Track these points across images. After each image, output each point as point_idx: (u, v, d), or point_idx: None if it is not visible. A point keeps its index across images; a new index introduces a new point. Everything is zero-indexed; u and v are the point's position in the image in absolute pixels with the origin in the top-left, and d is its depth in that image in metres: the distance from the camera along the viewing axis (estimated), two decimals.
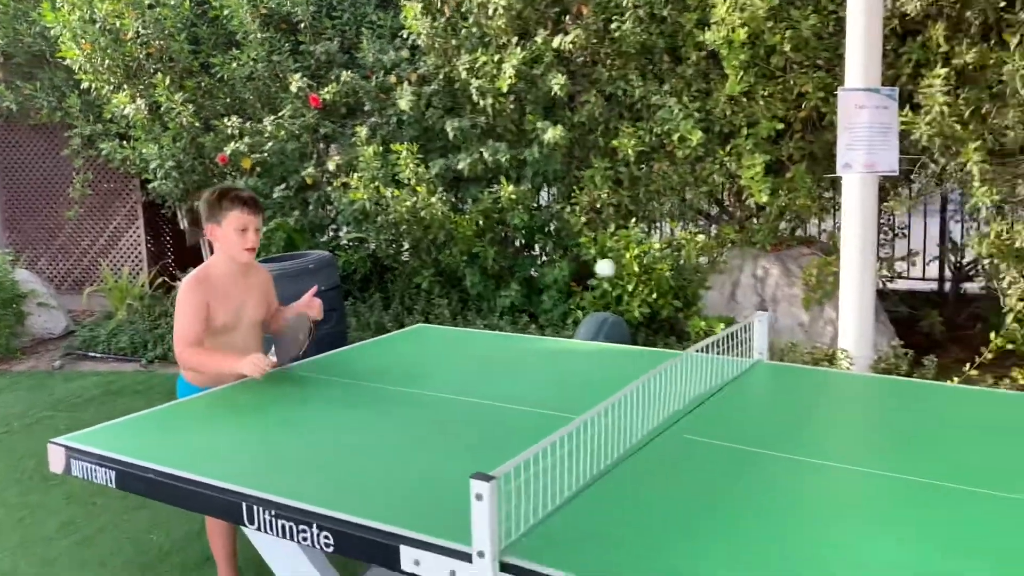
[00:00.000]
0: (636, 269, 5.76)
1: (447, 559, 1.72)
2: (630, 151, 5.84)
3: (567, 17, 6.05)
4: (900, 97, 4.75)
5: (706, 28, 5.41)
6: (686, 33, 5.62)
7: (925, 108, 4.72)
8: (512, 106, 6.20)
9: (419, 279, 6.74)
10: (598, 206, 6.19)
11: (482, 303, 6.62)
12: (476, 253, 6.49)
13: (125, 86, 7.12)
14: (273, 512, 1.96)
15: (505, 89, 5.98)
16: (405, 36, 6.57)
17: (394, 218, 6.33)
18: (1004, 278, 4.93)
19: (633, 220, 6.08)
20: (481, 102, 6.14)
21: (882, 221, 6.41)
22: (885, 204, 5.59)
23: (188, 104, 7.00)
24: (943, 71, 4.67)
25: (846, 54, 4.60)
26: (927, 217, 6.85)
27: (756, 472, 2.07)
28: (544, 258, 6.83)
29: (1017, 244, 4.68)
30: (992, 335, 4.74)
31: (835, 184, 5.46)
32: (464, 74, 6.17)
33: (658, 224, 6.74)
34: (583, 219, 6.17)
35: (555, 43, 5.91)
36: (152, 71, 7.12)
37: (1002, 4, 4.73)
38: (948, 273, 6.72)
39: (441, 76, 6.42)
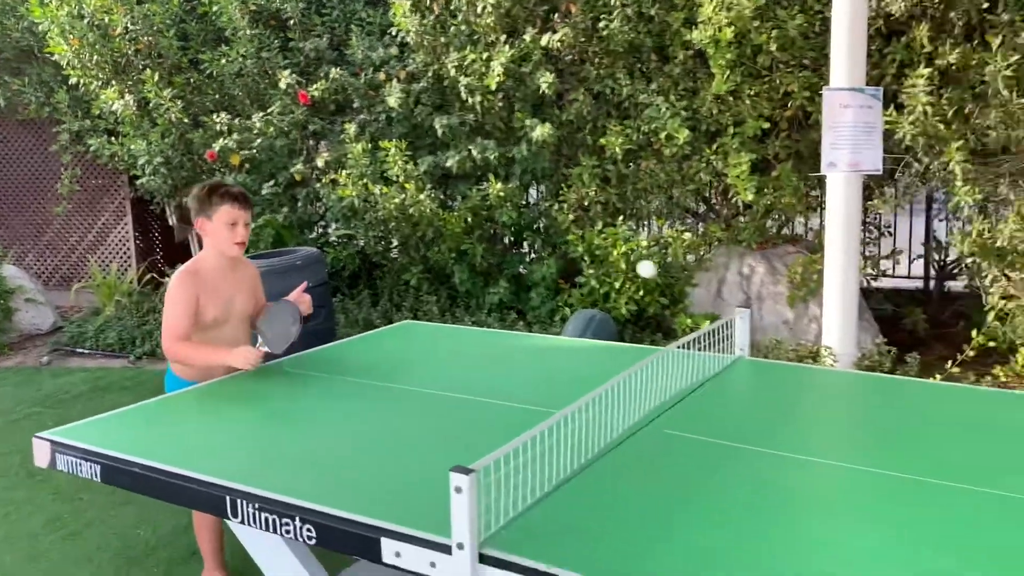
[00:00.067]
0: (623, 267, 5.79)
1: (427, 551, 1.74)
2: (618, 149, 5.87)
3: (555, 15, 6.08)
4: (884, 97, 4.79)
5: (693, 27, 5.44)
6: (673, 32, 5.65)
7: (909, 108, 4.77)
8: (501, 104, 6.22)
9: (408, 276, 6.76)
10: (586, 204, 6.22)
11: (470, 300, 6.65)
12: (465, 250, 6.51)
13: (114, 82, 7.11)
14: (256, 505, 1.99)
15: (493, 87, 6.00)
16: (394, 33, 6.58)
17: (383, 215, 6.34)
18: (986, 276, 4.99)
19: (621, 218, 6.12)
20: (470, 100, 6.16)
21: (868, 220, 6.48)
22: (870, 203, 5.64)
23: (177, 100, 7.00)
24: (926, 71, 4.71)
25: (831, 54, 4.64)
26: (913, 216, 6.91)
27: (735, 467, 2.10)
28: (532, 255, 6.85)
29: (999, 243, 4.73)
30: (974, 333, 4.79)
31: (821, 183, 5.50)
32: (453, 72, 6.19)
33: (646, 222, 6.77)
34: (571, 217, 6.20)
35: (543, 41, 5.93)
36: (141, 67, 7.11)
37: (985, 5, 4.78)
38: (933, 271, 6.78)
39: (430, 73, 6.44)
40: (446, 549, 1.71)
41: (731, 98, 5.57)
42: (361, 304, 6.85)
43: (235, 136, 6.80)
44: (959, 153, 4.66)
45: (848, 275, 4.69)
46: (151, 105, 7.00)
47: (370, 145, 6.42)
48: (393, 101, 6.38)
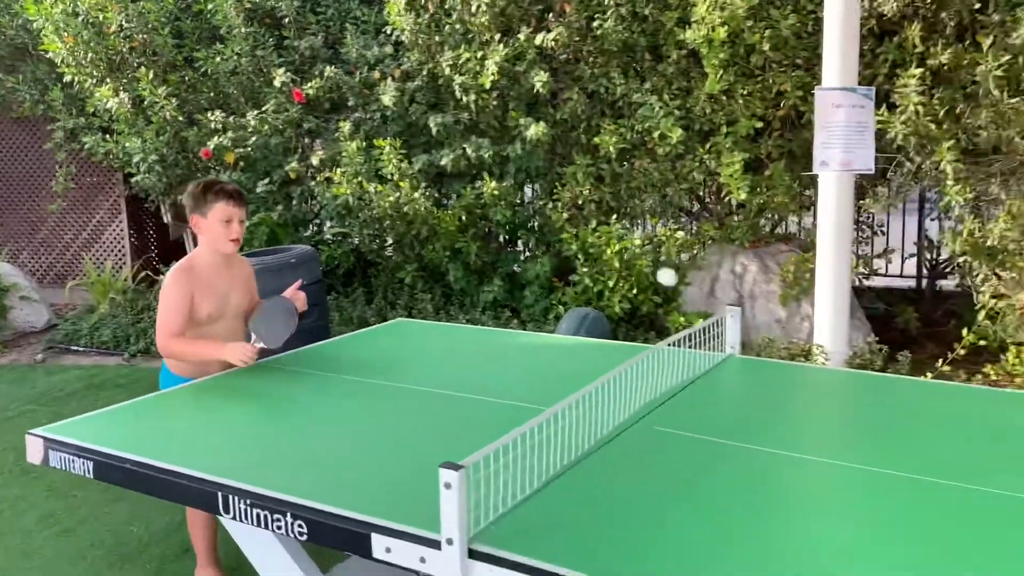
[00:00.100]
0: (617, 265, 5.81)
1: (417, 546, 1.76)
2: (612, 148, 5.89)
3: (550, 15, 6.09)
4: (877, 96, 4.82)
5: (687, 27, 5.46)
6: (667, 32, 5.67)
7: (900, 108, 4.79)
8: (495, 103, 6.23)
9: (402, 274, 6.77)
10: (580, 202, 6.24)
11: (465, 298, 6.67)
12: (459, 248, 6.53)
13: (108, 79, 7.11)
14: (248, 502, 2.00)
15: (488, 86, 6.01)
16: (389, 32, 6.59)
17: (377, 213, 6.35)
18: (977, 275, 5.01)
19: (614, 216, 6.13)
20: (464, 98, 6.18)
21: (861, 219, 6.51)
22: (862, 202, 5.66)
23: (171, 98, 7.00)
24: (918, 71, 4.74)
25: (823, 54, 4.66)
26: (906, 215, 6.93)
27: (726, 464, 2.12)
28: (527, 254, 6.87)
29: (989, 242, 4.76)
30: (965, 332, 4.82)
31: (814, 182, 5.53)
32: (447, 70, 6.20)
33: (640, 221, 6.79)
34: (565, 215, 6.22)
35: (538, 40, 5.94)
36: (135, 65, 7.12)
37: (976, 6, 4.81)
38: (925, 271, 6.81)
39: (425, 72, 6.45)
40: (435, 544, 1.73)
41: (724, 97, 5.59)
42: (355, 302, 6.87)
43: (230, 134, 6.81)
44: (950, 153, 4.69)
45: (840, 274, 4.72)
46: (146, 103, 7.01)
47: (365, 143, 6.43)
48: (388, 99, 6.39)
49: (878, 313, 6.15)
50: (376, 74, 6.65)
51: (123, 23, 6.99)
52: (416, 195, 6.19)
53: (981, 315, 4.90)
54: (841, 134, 4.61)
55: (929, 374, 4.70)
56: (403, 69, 6.57)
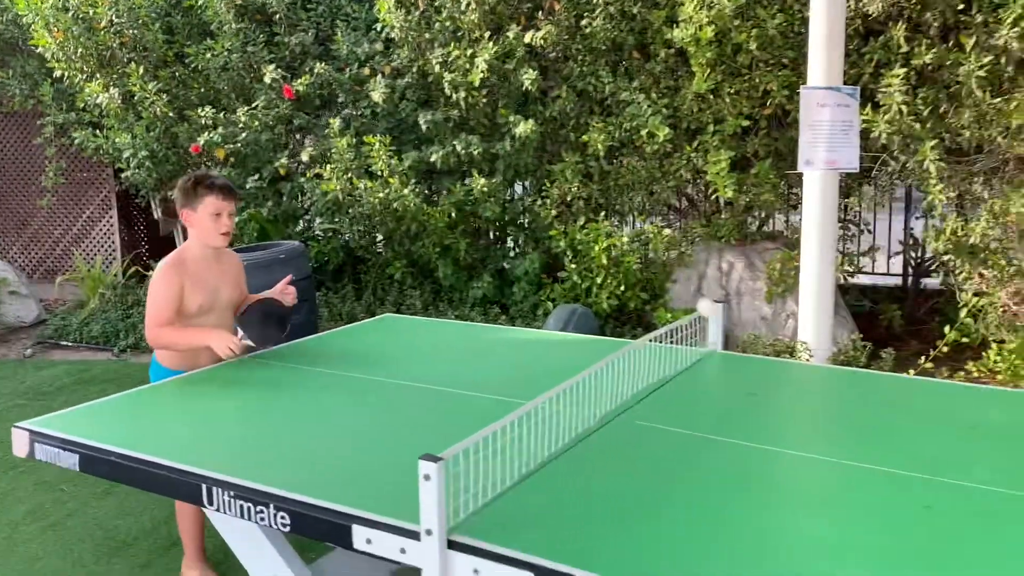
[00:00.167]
0: (605, 262, 5.85)
1: (397, 537, 1.79)
2: (600, 146, 5.92)
3: (539, 13, 6.12)
4: (862, 96, 4.86)
5: (674, 26, 5.50)
6: (655, 30, 5.71)
7: (884, 107, 4.84)
8: (484, 100, 6.26)
9: (391, 270, 6.80)
10: (569, 200, 6.27)
11: (454, 294, 6.70)
12: (448, 245, 6.55)
13: (98, 75, 7.11)
14: (231, 493, 2.03)
15: (477, 83, 6.04)
16: (379, 29, 6.61)
17: (367, 210, 6.38)
18: (960, 273, 5.07)
19: (603, 214, 6.17)
20: (454, 96, 6.20)
21: (848, 217, 6.56)
22: (848, 200, 5.72)
23: (162, 94, 7.00)
24: (901, 71, 4.78)
25: (809, 53, 4.70)
26: (893, 213, 6.99)
27: (705, 457, 2.16)
28: (516, 250, 6.91)
29: (971, 241, 4.81)
30: (947, 329, 4.87)
31: (800, 180, 5.57)
32: (437, 68, 6.22)
33: (628, 218, 6.83)
34: (554, 212, 6.26)
35: (527, 38, 5.97)
36: (126, 60, 7.12)
37: (960, 6, 4.86)
38: (910, 269, 6.86)
39: (415, 69, 6.47)
40: (415, 535, 1.76)
41: (711, 96, 5.63)
42: (345, 298, 6.89)
43: (220, 130, 6.82)
44: (933, 152, 4.74)
45: (824, 272, 4.76)
46: (136, 98, 7.01)
47: (355, 140, 6.45)
48: (378, 96, 6.41)
49: (863, 311, 6.20)
50: (366, 71, 6.67)
51: (113, 18, 6.99)
52: (406, 191, 6.22)
53: (963, 313, 4.95)
54: (826, 133, 4.65)
55: (912, 371, 4.76)
56: (393, 66, 6.60)
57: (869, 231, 6.74)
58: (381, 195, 6.24)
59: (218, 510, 2.06)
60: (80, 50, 7.02)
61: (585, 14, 5.87)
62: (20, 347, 7.05)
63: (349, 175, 6.38)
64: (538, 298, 6.29)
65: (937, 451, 2.18)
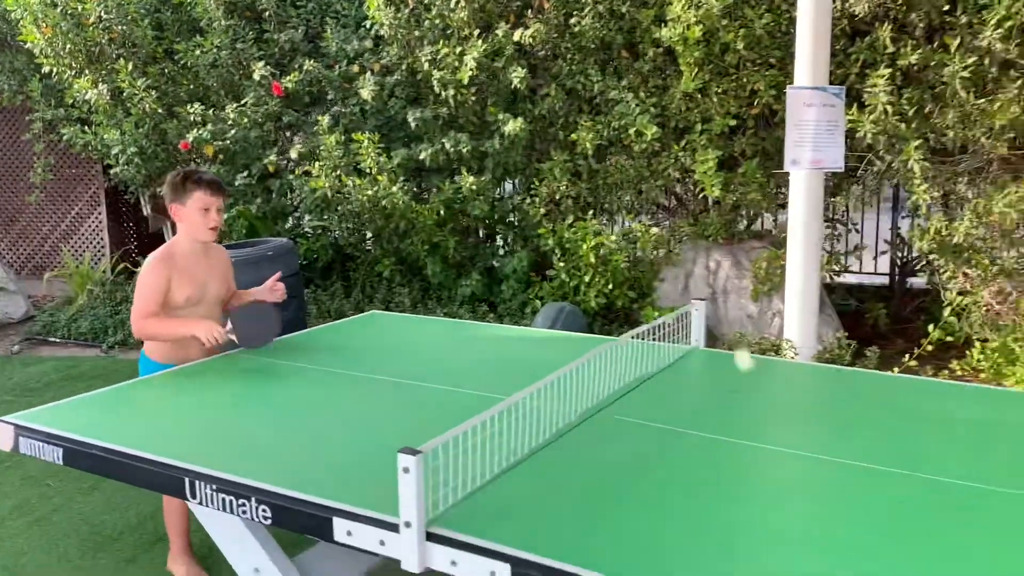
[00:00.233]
0: (593, 260, 5.88)
1: (376, 529, 1.81)
2: (588, 144, 5.94)
3: (529, 11, 6.14)
4: (848, 96, 4.90)
5: (663, 25, 5.53)
6: (643, 29, 5.73)
7: (870, 107, 4.87)
8: (474, 98, 6.27)
9: (380, 267, 6.81)
10: (557, 198, 6.29)
11: (443, 292, 6.71)
12: (437, 243, 6.57)
13: (87, 71, 7.10)
14: (214, 487, 2.04)
15: (466, 81, 6.05)
16: (369, 26, 6.61)
17: (356, 207, 6.38)
18: (944, 273, 5.11)
19: (591, 212, 6.19)
20: (443, 93, 6.21)
21: (836, 217, 6.59)
22: (834, 199, 5.76)
23: (151, 90, 7.00)
24: (886, 72, 4.82)
25: (796, 53, 4.73)
26: (881, 213, 7.03)
27: (684, 452, 2.18)
28: (505, 249, 6.92)
29: (955, 240, 4.85)
30: (931, 328, 4.91)
31: (787, 179, 5.61)
32: (426, 65, 6.23)
33: (616, 217, 6.85)
34: (542, 211, 6.28)
35: (516, 36, 5.99)
36: (114, 56, 7.10)
37: (945, 8, 4.89)
38: (897, 268, 6.90)
39: (404, 67, 6.48)
40: (394, 528, 1.78)
41: (699, 95, 5.66)
42: (333, 295, 6.90)
43: (209, 127, 6.82)
44: (917, 152, 4.77)
45: (809, 270, 4.80)
46: (125, 95, 7.00)
47: (343, 137, 6.46)
48: (367, 94, 6.42)
49: (850, 309, 6.24)
50: (356, 68, 6.67)
51: (102, 14, 6.98)
52: (394, 189, 6.23)
53: (947, 312, 4.99)
54: (812, 133, 4.68)
55: (896, 369, 4.79)
56: (382, 63, 6.61)
57: (857, 230, 6.78)
58: (370, 193, 6.25)
59: (201, 503, 2.08)
60: (69, 46, 7.00)
61: (574, 13, 5.89)
62: (8, 343, 7.04)
63: (338, 172, 6.39)
64: (526, 296, 6.31)
65: (913, 447, 2.21)
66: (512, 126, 6.01)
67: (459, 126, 6.47)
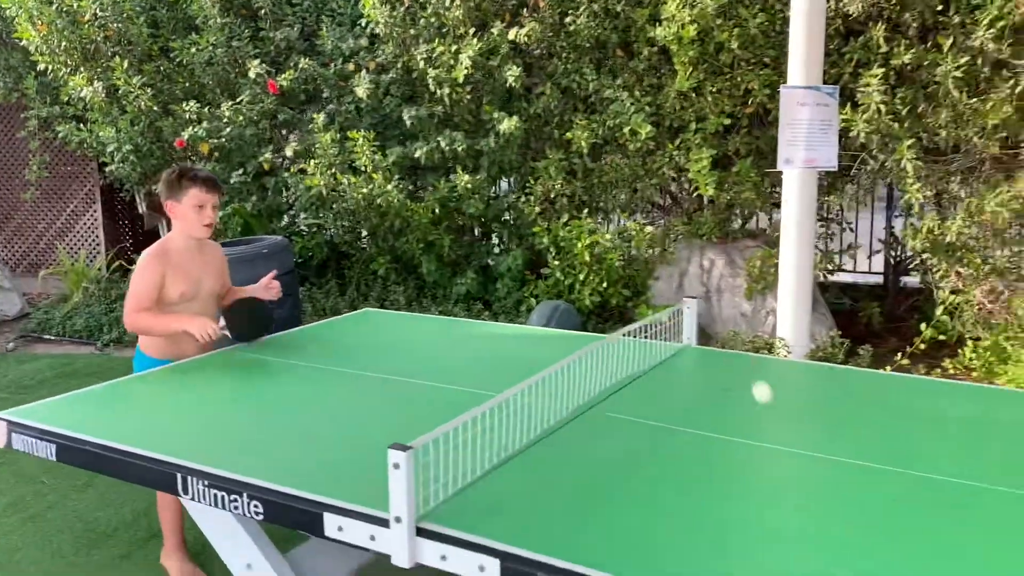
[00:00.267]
0: (587, 259, 5.89)
1: (367, 525, 1.82)
2: (583, 143, 5.95)
3: (524, 10, 6.14)
4: (842, 95, 4.91)
5: (657, 24, 5.54)
6: (638, 29, 5.74)
7: (863, 106, 4.89)
8: (469, 96, 6.28)
9: (375, 266, 6.82)
10: (552, 196, 6.30)
11: (438, 290, 6.72)
12: (432, 241, 6.58)
13: (82, 68, 7.09)
14: (206, 482, 2.06)
15: (461, 79, 6.06)
16: (364, 24, 6.62)
17: (351, 205, 6.39)
18: (937, 271, 5.13)
19: (586, 211, 6.21)
20: (438, 92, 6.22)
21: (830, 216, 6.61)
22: (827, 199, 5.77)
23: (146, 88, 6.99)
24: (879, 71, 4.84)
25: (789, 52, 4.74)
26: (875, 212, 7.05)
27: (674, 449, 2.20)
28: (500, 247, 6.93)
29: (948, 239, 4.87)
30: (923, 326, 4.93)
31: (782, 178, 5.62)
32: (422, 64, 6.24)
33: (611, 215, 6.86)
34: (537, 209, 6.29)
35: (511, 35, 6.00)
36: (110, 54, 7.10)
37: (939, 7, 4.91)
38: (892, 266, 6.93)
39: (399, 65, 6.49)
40: (384, 523, 1.79)
41: (694, 94, 5.67)
42: (328, 293, 6.90)
43: (204, 124, 6.81)
44: (910, 151, 4.79)
45: (802, 269, 4.81)
46: (120, 92, 7.00)
47: (339, 135, 6.46)
48: (362, 92, 6.42)
49: (844, 308, 6.26)
50: (351, 66, 6.68)
51: (97, 12, 6.98)
52: (389, 187, 6.23)
53: (939, 310, 5.02)
54: (805, 132, 4.70)
55: (888, 367, 4.81)
56: (378, 62, 6.61)
57: (851, 229, 6.80)
58: (365, 191, 6.26)
59: (193, 499, 2.09)
60: (64, 43, 7.00)
61: (569, 11, 5.90)
62: (2, 341, 7.03)
63: (333, 171, 6.39)
64: (521, 294, 6.32)
65: (905, 444, 2.22)
66: (507, 125, 6.02)
67: (454, 124, 6.48)
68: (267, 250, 5.43)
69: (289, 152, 6.73)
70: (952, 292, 5.04)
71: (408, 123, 6.39)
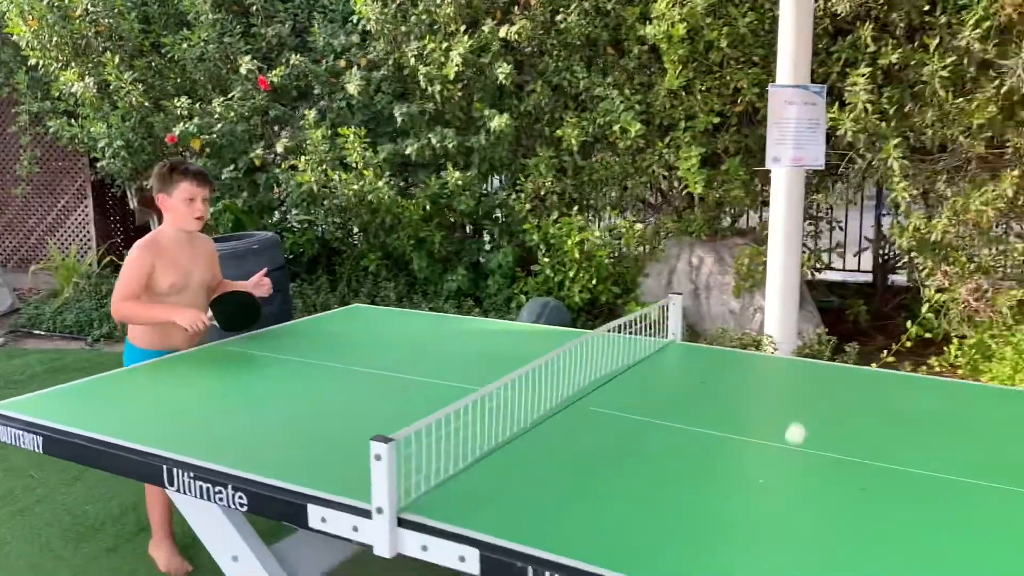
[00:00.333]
0: (577, 256, 5.92)
1: (349, 516, 1.85)
2: (574, 141, 5.98)
3: (515, 7, 6.16)
4: (830, 94, 4.94)
5: (648, 22, 5.56)
6: (628, 27, 5.77)
7: (850, 105, 4.93)
8: (460, 93, 6.30)
9: (366, 262, 6.83)
10: (543, 194, 6.33)
11: (428, 287, 6.74)
12: (423, 238, 6.59)
13: (73, 64, 7.08)
14: (192, 474, 2.08)
15: (452, 76, 6.08)
16: (356, 21, 6.63)
17: (342, 201, 6.40)
18: (923, 270, 5.17)
19: (576, 208, 6.23)
20: (429, 89, 6.24)
21: (819, 214, 6.65)
22: (814, 197, 5.81)
23: (138, 83, 6.99)
24: (866, 70, 4.87)
25: (778, 51, 4.77)
26: (865, 211, 7.09)
27: (655, 442, 2.22)
28: (491, 244, 6.95)
29: (933, 237, 4.91)
30: (908, 324, 4.97)
31: (770, 177, 5.66)
32: (413, 60, 6.26)
33: (601, 213, 6.89)
34: (528, 206, 6.31)
35: (502, 33, 6.02)
36: (101, 49, 7.09)
37: (926, 8, 4.95)
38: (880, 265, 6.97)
39: (390, 62, 6.50)
40: (367, 514, 1.81)
41: (683, 93, 5.70)
42: (319, 289, 6.92)
43: (196, 120, 6.82)
44: (896, 150, 4.83)
45: (789, 267, 4.85)
46: (111, 88, 6.99)
47: (330, 132, 6.47)
48: (353, 88, 6.43)
49: (832, 306, 6.30)
50: (342, 63, 6.69)
51: (88, 7, 6.97)
52: (380, 184, 6.25)
53: (925, 308, 5.06)
54: (793, 131, 4.73)
55: (874, 365, 4.84)
56: (369, 58, 6.62)
57: (840, 228, 6.84)
58: (355, 187, 6.27)
59: (179, 491, 2.11)
60: (55, 38, 6.99)
61: (560, 9, 5.92)
62: None
63: (324, 167, 6.40)
64: (512, 291, 6.34)
65: (877, 438, 2.26)
66: (498, 122, 6.04)
67: (445, 121, 6.50)
68: (257, 246, 5.44)
69: (280, 148, 6.74)
70: (938, 290, 5.08)
71: (399, 120, 6.40)
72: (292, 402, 2.57)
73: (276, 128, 7.12)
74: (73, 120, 7.39)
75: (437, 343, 3.31)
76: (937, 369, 5.03)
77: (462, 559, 1.71)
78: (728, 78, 5.58)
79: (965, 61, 4.78)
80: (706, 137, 5.79)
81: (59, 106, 7.53)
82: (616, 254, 6.17)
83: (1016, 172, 4.69)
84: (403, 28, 6.32)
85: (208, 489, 2.05)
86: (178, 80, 7.24)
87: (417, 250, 6.63)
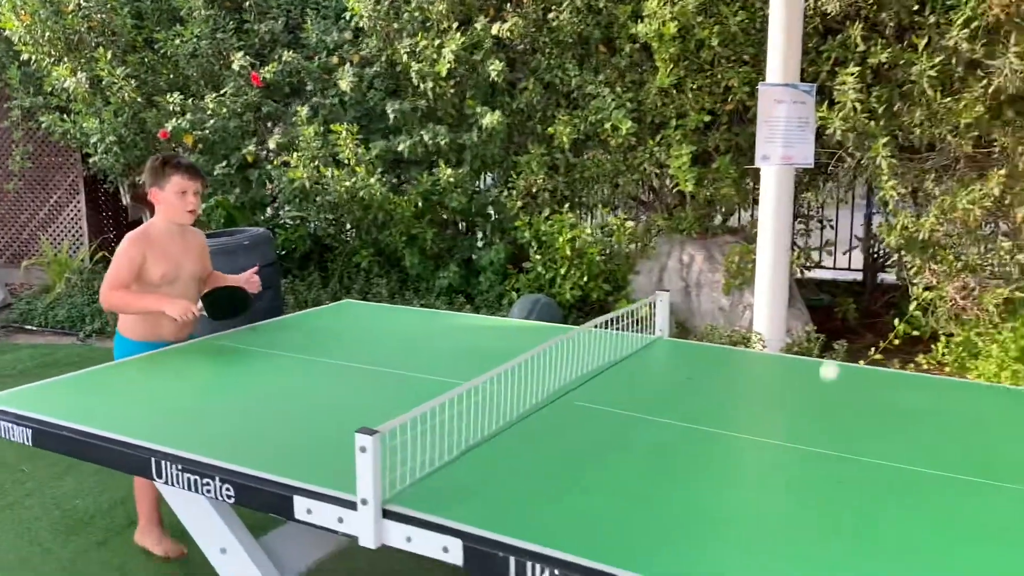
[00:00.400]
0: (568, 253, 5.94)
1: (335, 507, 1.87)
2: (565, 138, 6.00)
3: (508, 5, 6.18)
4: (820, 93, 4.97)
5: (639, 20, 5.59)
6: (620, 25, 5.80)
7: (839, 104, 4.96)
8: (452, 90, 6.31)
9: (358, 258, 6.84)
10: (534, 191, 6.35)
11: (420, 283, 6.76)
12: (415, 234, 6.61)
13: (66, 59, 7.08)
14: (179, 466, 2.09)
15: (444, 73, 6.09)
16: (348, 18, 6.64)
17: (334, 198, 6.41)
18: (911, 268, 5.20)
19: (567, 206, 6.25)
20: (422, 85, 6.25)
21: (809, 213, 6.69)
22: (804, 195, 5.84)
23: (130, 79, 6.99)
24: (855, 69, 4.90)
25: (768, 50, 4.80)
26: (855, 209, 7.13)
27: (640, 436, 2.25)
28: (482, 241, 6.97)
29: (921, 236, 4.95)
30: (896, 322, 5.01)
31: (760, 175, 5.69)
32: (405, 57, 6.27)
33: (593, 210, 6.92)
34: (520, 203, 6.33)
35: (494, 30, 6.04)
36: (94, 45, 7.09)
37: (915, 7, 4.98)
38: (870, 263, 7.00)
39: (383, 59, 6.51)
40: (352, 505, 1.83)
41: (674, 91, 5.72)
42: (311, 286, 6.93)
43: (188, 116, 6.82)
44: (885, 149, 4.86)
45: (778, 264, 4.88)
46: (104, 83, 6.99)
47: (322, 128, 6.48)
48: (345, 85, 6.44)
49: (822, 304, 6.33)
50: (335, 59, 6.70)
51: (81, 2, 6.96)
52: (372, 181, 6.26)
53: (913, 306, 5.09)
54: (782, 129, 4.76)
55: (862, 362, 4.88)
56: (362, 55, 6.63)
57: (831, 226, 6.87)
58: (348, 184, 6.28)
59: (167, 483, 2.13)
60: (47, 34, 6.98)
61: (552, 7, 5.94)
62: None
63: (316, 163, 6.41)
64: (503, 288, 6.36)
65: (864, 434, 2.28)
66: (490, 119, 6.05)
67: (437, 118, 6.51)
68: (248, 242, 5.45)
69: (272, 145, 6.74)
70: (926, 288, 5.12)
71: (391, 117, 6.42)
72: (280, 396, 2.58)
73: (268, 124, 7.12)
74: (66, 115, 7.39)
75: (427, 339, 3.33)
76: (925, 366, 5.06)
77: (445, 550, 1.73)
78: (719, 76, 5.60)
79: (953, 61, 4.81)
80: (697, 135, 5.82)
81: (52, 101, 7.52)
82: (607, 251, 6.20)
83: (1003, 171, 4.72)
84: (396, 25, 6.34)
85: (196, 481, 2.07)
86: (171, 76, 7.24)
87: (409, 247, 6.64)
